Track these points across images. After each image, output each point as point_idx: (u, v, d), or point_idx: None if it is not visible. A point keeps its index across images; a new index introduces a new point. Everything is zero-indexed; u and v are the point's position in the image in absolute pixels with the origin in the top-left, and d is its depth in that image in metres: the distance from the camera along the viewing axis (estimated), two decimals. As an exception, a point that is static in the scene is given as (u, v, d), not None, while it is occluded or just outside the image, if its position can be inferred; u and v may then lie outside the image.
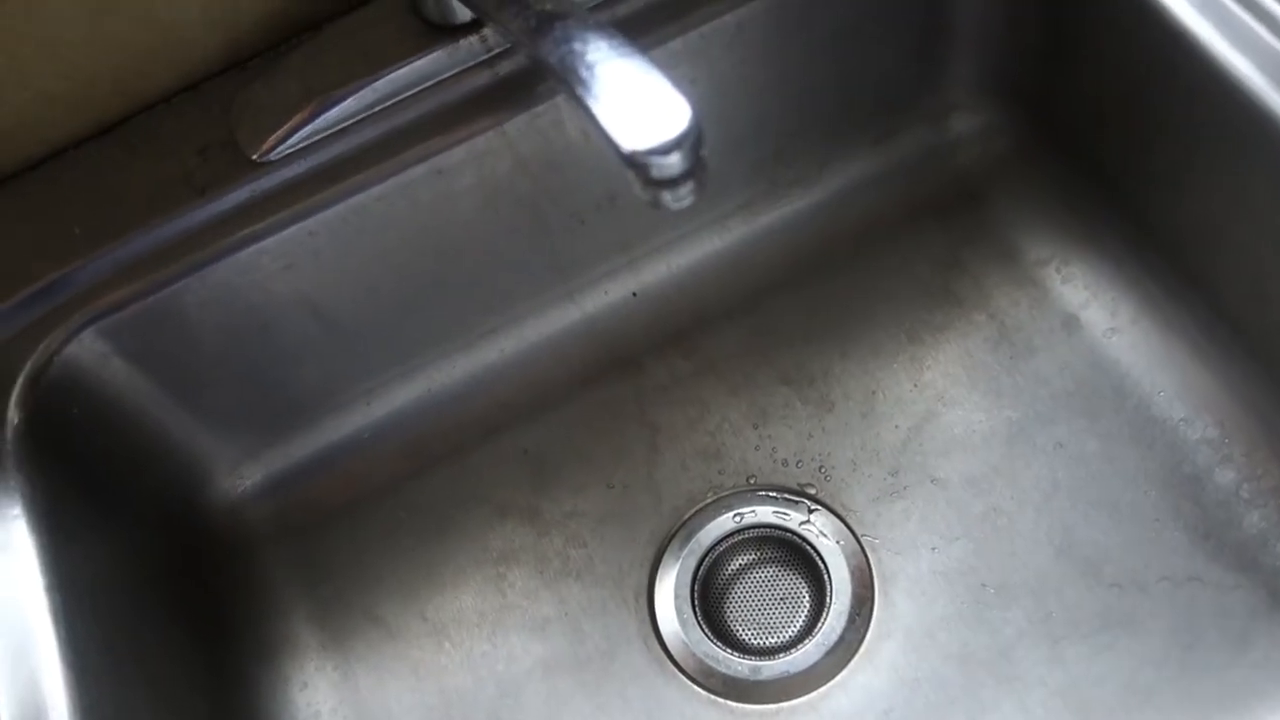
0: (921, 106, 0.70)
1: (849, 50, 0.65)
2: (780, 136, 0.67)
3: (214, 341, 0.61)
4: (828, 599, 0.62)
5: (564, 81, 0.39)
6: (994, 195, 0.70)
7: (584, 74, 0.39)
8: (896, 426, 0.65)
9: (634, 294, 0.70)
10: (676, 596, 0.63)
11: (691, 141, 0.37)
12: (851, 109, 0.68)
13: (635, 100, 0.38)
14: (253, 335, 0.62)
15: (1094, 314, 0.66)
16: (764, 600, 0.63)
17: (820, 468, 0.65)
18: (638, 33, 0.58)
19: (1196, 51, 0.54)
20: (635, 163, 0.37)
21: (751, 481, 0.65)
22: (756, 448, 0.66)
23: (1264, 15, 0.52)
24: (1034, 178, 0.69)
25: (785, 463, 0.66)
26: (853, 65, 0.66)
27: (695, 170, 0.37)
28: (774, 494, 0.65)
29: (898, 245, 0.70)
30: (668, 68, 0.58)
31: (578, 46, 0.39)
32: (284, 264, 0.59)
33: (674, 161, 0.37)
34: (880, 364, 0.67)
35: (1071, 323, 0.66)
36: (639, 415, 0.68)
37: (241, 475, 0.68)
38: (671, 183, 0.37)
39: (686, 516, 0.65)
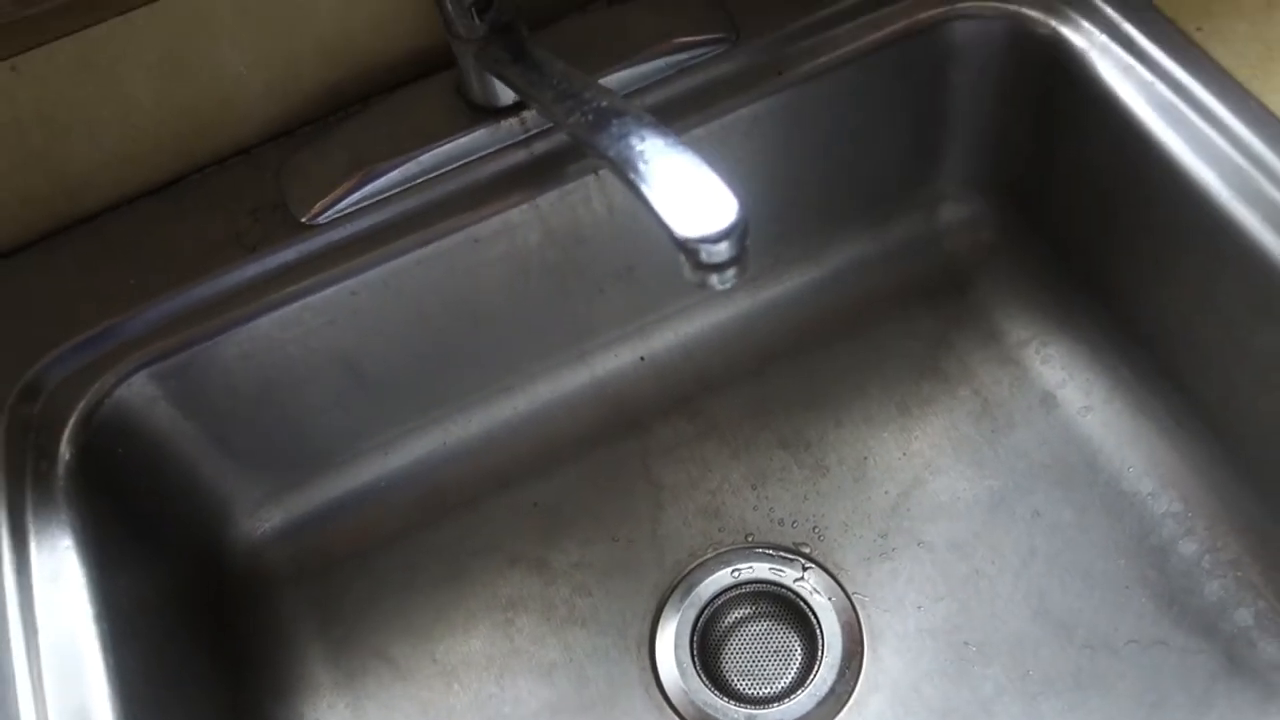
0: (915, 197, 0.75)
1: (852, 144, 0.70)
2: (786, 218, 0.73)
3: (251, 389, 0.65)
4: (820, 652, 0.66)
5: (620, 173, 0.44)
6: (980, 280, 0.76)
7: (641, 167, 0.43)
8: (886, 491, 0.70)
9: (642, 358, 0.75)
10: (676, 646, 0.67)
11: (740, 231, 0.42)
12: (852, 196, 0.74)
13: (689, 192, 0.42)
14: (288, 385, 0.66)
15: (1070, 393, 0.71)
16: (760, 652, 0.67)
17: (814, 528, 0.69)
18: (665, 120, 0.63)
19: (1168, 162, 0.60)
20: (688, 248, 0.42)
21: (749, 539, 0.70)
22: (755, 507, 0.70)
23: (1229, 134, 0.58)
24: (1017, 265, 0.75)
25: (781, 522, 0.70)
26: (855, 157, 0.71)
27: (741, 257, 0.42)
28: (770, 551, 0.69)
29: (890, 323, 0.75)
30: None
31: (634, 142, 0.44)
32: (325, 320, 0.63)
33: (723, 249, 0.41)
34: (872, 432, 0.72)
35: (1049, 400, 0.71)
36: (644, 473, 0.72)
37: (262, 518, 0.71)
38: (719, 267, 0.42)
39: (687, 570, 0.69)
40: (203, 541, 0.68)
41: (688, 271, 0.43)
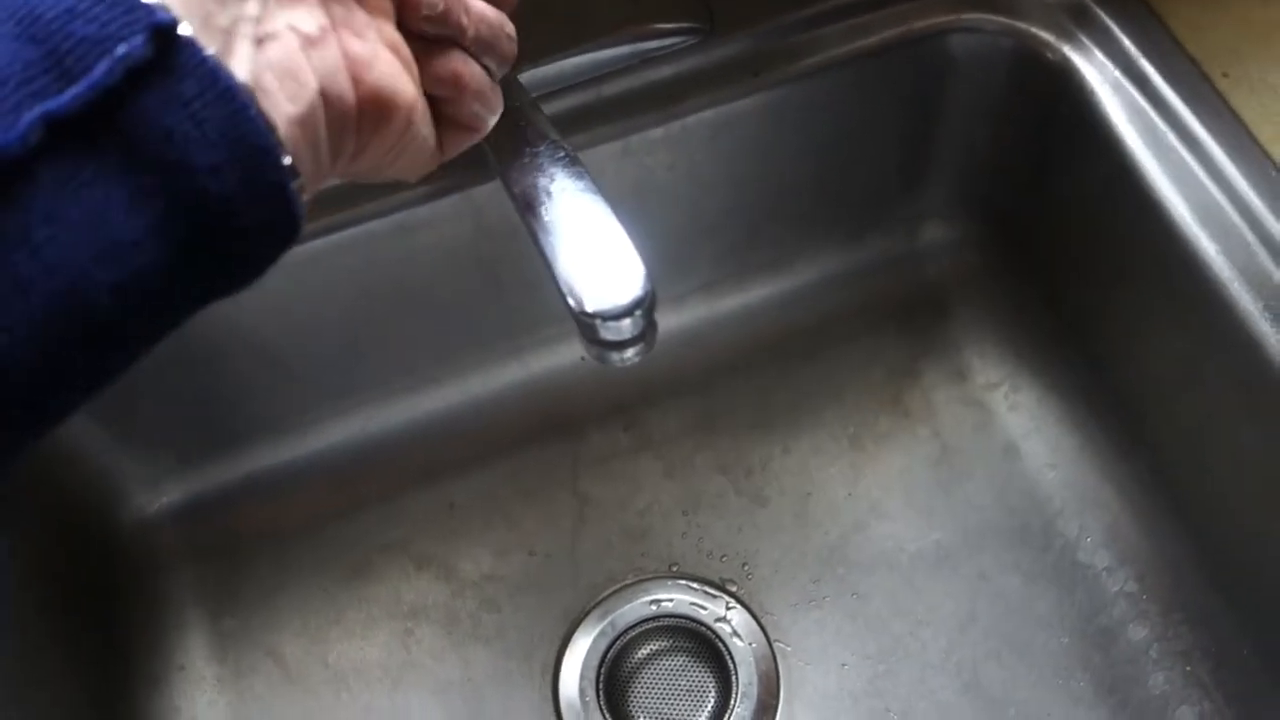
0: (896, 213, 0.69)
1: (831, 155, 0.64)
2: (753, 225, 0.67)
3: (151, 362, 0.59)
4: (733, 700, 0.61)
5: (521, 212, 0.38)
6: (956, 309, 0.70)
7: (545, 214, 0.37)
8: (826, 533, 0.65)
9: (582, 358, 0.69)
10: (582, 677, 0.63)
11: (645, 308, 0.36)
12: (828, 207, 0.68)
13: (594, 254, 0.36)
14: (191, 361, 0.60)
15: (1035, 446, 0.66)
16: (669, 691, 0.63)
17: (744, 564, 0.65)
18: (617, 116, 0.57)
19: (1166, 223, 0.54)
20: (584, 321, 0.36)
21: (674, 569, 0.65)
22: (684, 534, 0.66)
23: (1240, 202, 0.52)
24: (997, 300, 0.69)
25: (710, 554, 0.65)
26: (833, 168, 0.65)
27: (645, 333, 0.37)
28: (695, 585, 0.64)
29: (855, 346, 0.70)
30: (645, 155, 0.58)
31: (543, 180, 0.38)
32: (232, 298, 0.57)
33: (625, 326, 0.36)
34: (819, 465, 0.67)
35: (1012, 451, 0.66)
36: (571, 484, 0.67)
37: (159, 494, 0.67)
38: (619, 345, 0.37)
39: (604, 595, 0.64)
40: (87, 516, 0.64)
41: (584, 345, 0.37)
